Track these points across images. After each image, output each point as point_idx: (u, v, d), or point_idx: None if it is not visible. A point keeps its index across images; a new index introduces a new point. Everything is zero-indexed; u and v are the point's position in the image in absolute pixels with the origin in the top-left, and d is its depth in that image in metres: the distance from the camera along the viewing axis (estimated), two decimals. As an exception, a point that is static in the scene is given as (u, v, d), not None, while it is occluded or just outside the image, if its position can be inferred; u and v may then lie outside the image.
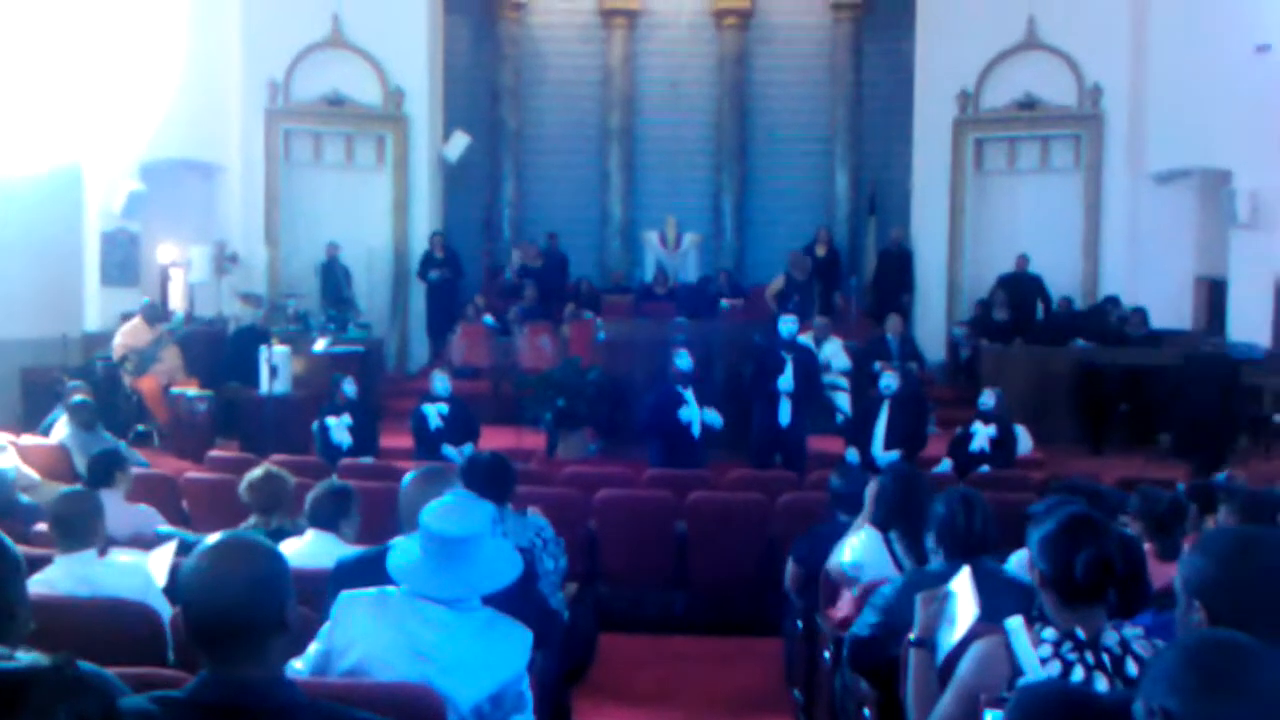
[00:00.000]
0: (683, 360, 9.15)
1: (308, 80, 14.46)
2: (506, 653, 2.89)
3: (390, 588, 2.93)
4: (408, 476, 3.64)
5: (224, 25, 13.89)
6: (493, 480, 4.38)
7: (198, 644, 2.13)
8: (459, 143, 15.12)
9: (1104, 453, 11.43)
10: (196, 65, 13.46)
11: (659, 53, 16.56)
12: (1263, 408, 11.66)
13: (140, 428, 11.11)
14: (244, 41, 14.01)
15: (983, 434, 9.22)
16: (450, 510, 2.98)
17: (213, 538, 2.25)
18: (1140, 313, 12.82)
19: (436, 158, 15.09)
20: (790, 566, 5.27)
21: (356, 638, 2.84)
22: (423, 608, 2.86)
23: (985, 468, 8.81)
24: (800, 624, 5.24)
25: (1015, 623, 2.64)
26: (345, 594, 2.93)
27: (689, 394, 8.92)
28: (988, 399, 9.41)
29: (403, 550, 2.98)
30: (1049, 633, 2.59)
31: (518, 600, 3.58)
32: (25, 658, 1.66)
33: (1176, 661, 1.76)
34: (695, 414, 8.94)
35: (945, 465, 9.18)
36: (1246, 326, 12.69)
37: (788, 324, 9.36)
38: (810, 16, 16.40)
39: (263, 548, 2.23)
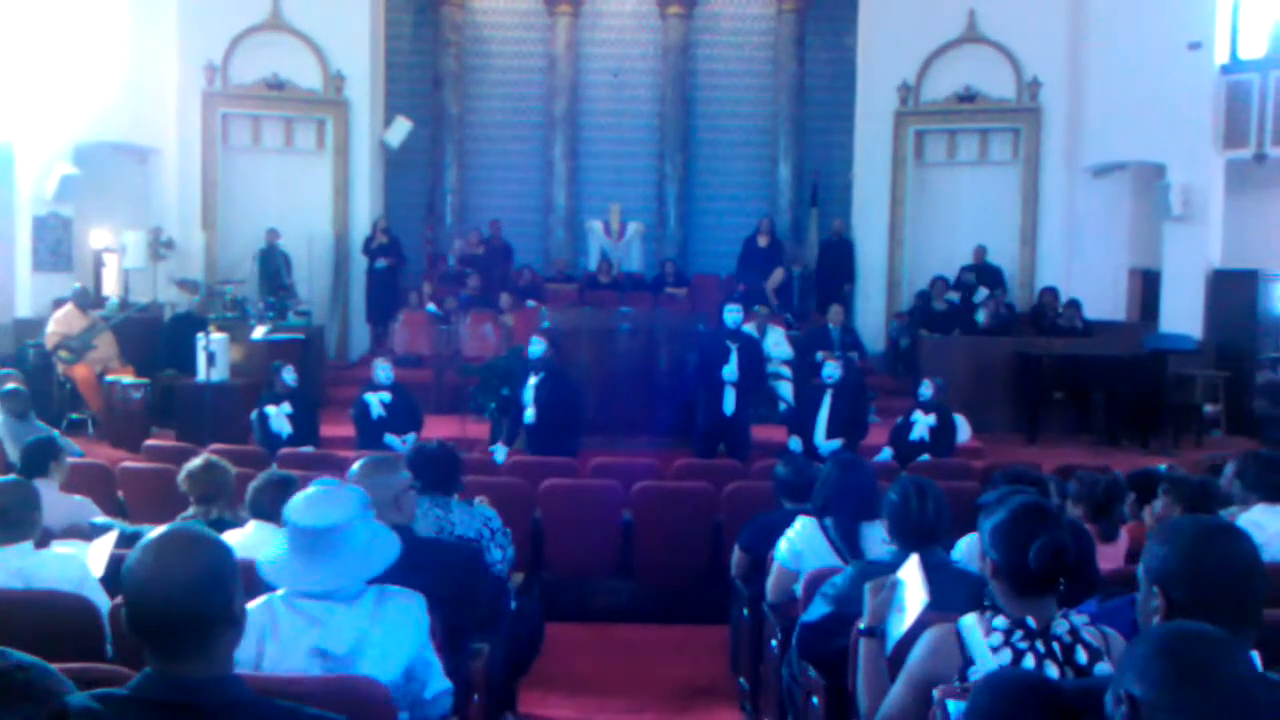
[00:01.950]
0: (534, 347, 9.18)
1: (246, 63, 14.23)
2: (404, 626, 2.85)
3: (273, 594, 2.85)
4: (355, 466, 3.59)
5: (161, 6, 13.60)
6: (440, 470, 4.34)
7: (142, 639, 2.07)
8: (400, 128, 14.98)
9: (1039, 441, 11.63)
10: (132, 46, 13.18)
11: (603, 41, 16.51)
12: (1194, 397, 11.93)
13: (74, 416, 10.91)
14: (181, 23, 13.74)
15: (923, 423, 9.32)
16: (315, 501, 2.88)
17: (157, 530, 2.19)
18: (1074, 304, 13.05)
19: (378, 143, 14.94)
20: (737, 554, 5.29)
21: (256, 654, 2.76)
22: (307, 606, 2.79)
23: (925, 456, 8.91)
24: (747, 612, 5.26)
25: (969, 620, 2.65)
26: None
27: (533, 380, 8.97)
28: (927, 389, 9.50)
29: (270, 548, 2.89)
30: (1000, 621, 2.61)
31: (470, 584, 3.55)
32: None
33: (1146, 650, 1.79)
34: (529, 399, 8.98)
35: (886, 454, 9.26)
36: (1178, 318, 12.98)
37: (732, 313, 9.37)
38: (754, 8, 16.46)
39: (209, 539, 2.18)
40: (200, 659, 2.06)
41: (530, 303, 13.51)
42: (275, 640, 2.76)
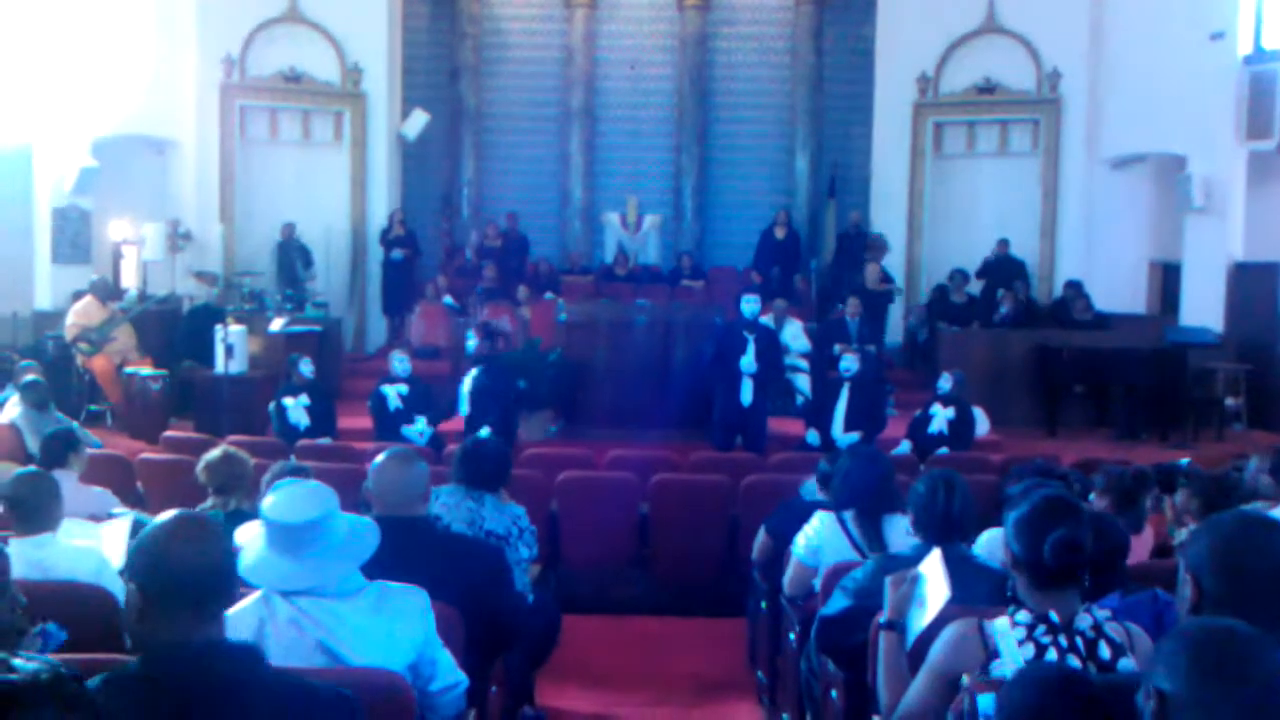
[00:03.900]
0: (469, 342, 9.20)
1: (264, 56, 14.26)
2: (407, 622, 2.83)
3: (266, 591, 2.82)
4: (378, 458, 3.58)
5: (179, -1, 13.65)
6: (489, 467, 4.38)
7: (163, 606, 2.13)
8: (418, 121, 14.97)
9: (1058, 435, 11.56)
10: (151, 40, 13.21)
11: (620, 34, 16.45)
12: (1215, 391, 11.84)
13: (93, 407, 10.96)
14: (199, 16, 13.75)
15: (941, 416, 9.29)
16: (294, 498, 2.85)
17: (163, 514, 2.27)
18: (1085, 297, 12.96)
19: (395, 136, 14.94)
20: (761, 536, 5.22)
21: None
22: (307, 603, 2.76)
23: (944, 449, 8.88)
24: (765, 605, 5.24)
25: (1002, 624, 2.62)
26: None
27: (470, 375, 8.97)
28: (946, 382, 9.47)
29: (247, 549, 2.84)
30: (1023, 615, 2.58)
31: (493, 592, 3.53)
32: (25, 666, 1.60)
33: (1175, 646, 1.77)
34: (463, 397, 8.97)
35: (904, 447, 9.23)
36: (1199, 311, 12.87)
37: (750, 304, 9.35)
38: (771, -1, 16.39)
39: (211, 519, 2.30)
40: (217, 623, 2.17)
41: (547, 295, 13.50)
42: (275, 637, 2.73)
